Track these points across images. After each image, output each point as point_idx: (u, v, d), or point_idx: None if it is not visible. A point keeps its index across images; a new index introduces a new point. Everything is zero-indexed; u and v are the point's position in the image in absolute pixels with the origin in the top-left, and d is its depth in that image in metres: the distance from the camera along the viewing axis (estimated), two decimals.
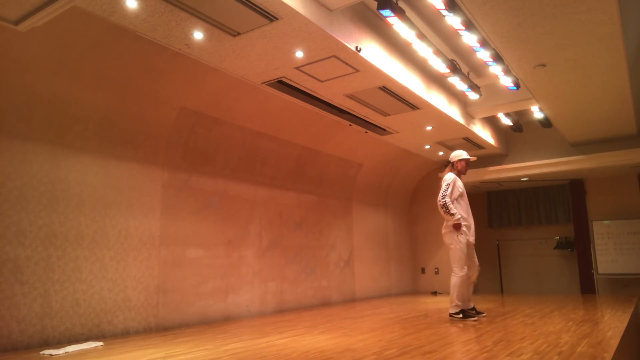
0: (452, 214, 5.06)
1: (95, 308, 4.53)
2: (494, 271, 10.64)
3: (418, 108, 6.29)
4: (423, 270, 10.27)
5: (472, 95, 6.33)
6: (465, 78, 5.84)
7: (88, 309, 4.46)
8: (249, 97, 5.62)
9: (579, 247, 9.40)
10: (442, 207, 5.12)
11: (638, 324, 5.79)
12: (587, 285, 9.19)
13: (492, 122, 8.47)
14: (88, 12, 3.67)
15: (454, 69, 5.54)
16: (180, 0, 3.59)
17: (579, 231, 9.46)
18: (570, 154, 8.34)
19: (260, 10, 3.72)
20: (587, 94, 5.89)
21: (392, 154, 8.67)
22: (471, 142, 8.13)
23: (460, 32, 4.74)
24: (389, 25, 4.66)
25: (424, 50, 5.02)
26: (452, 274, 5.09)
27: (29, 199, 4.15)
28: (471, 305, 5.23)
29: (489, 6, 3.86)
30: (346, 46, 4.41)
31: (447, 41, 5.69)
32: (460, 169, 5.39)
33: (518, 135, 8.83)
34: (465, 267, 5.06)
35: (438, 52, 5.17)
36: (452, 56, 5.90)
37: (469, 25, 4.62)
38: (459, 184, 5.28)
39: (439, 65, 5.40)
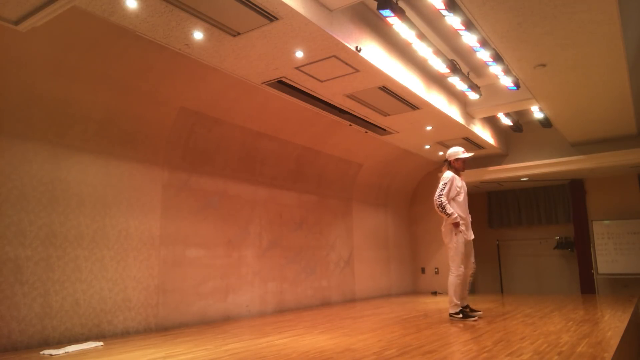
0: (449, 214, 5.05)
1: (95, 308, 4.53)
2: (494, 271, 10.65)
3: (418, 108, 6.29)
4: (423, 270, 10.27)
5: (472, 95, 6.33)
6: (465, 78, 5.83)
7: (88, 309, 4.46)
8: (249, 97, 5.62)
9: (579, 247, 9.41)
10: (438, 207, 5.10)
11: (638, 324, 5.79)
12: (587, 285, 9.19)
13: (492, 122, 8.47)
14: (88, 12, 3.67)
15: (454, 69, 5.54)
16: (180, 0, 3.59)
17: (579, 231, 9.46)
18: (570, 154, 8.34)
19: (260, 10, 3.73)
20: (587, 94, 5.89)
21: (392, 154, 8.67)
22: (471, 142, 8.13)
23: (460, 32, 4.74)
24: (389, 25, 4.66)
25: (424, 50, 5.02)
26: (450, 272, 5.11)
27: (29, 199, 4.15)
28: (465, 304, 5.23)
29: (489, 6, 3.86)
30: (346, 46, 4.41)
31: (447, 41, 5.69)
32: (458, 167, 5.38)
33: (518, 135, 8.84)
34: (462, 266, 5.07)
35: (438, 52, 5.17)
36: (452, 56, 5.90)
37: (469, 25, 4.62)
38: (457, 182, 5.26)
39: (439, 65, 5.40)
